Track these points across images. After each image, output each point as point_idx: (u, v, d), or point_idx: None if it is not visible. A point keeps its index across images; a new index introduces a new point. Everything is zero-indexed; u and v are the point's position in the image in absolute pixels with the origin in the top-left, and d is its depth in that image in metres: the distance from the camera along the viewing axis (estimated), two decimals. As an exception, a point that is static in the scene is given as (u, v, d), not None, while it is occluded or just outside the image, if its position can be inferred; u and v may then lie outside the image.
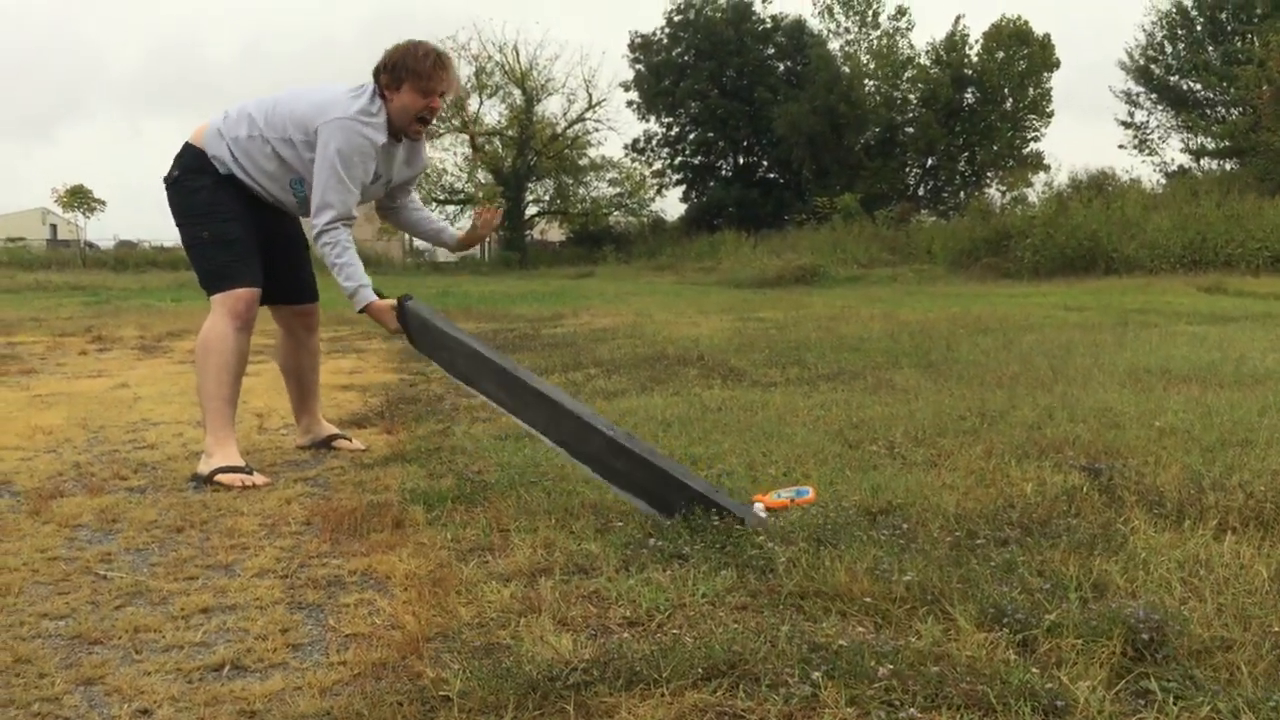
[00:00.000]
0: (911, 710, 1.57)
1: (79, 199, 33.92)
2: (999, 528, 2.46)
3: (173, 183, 3.58)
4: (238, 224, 3.51)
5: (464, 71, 36.60)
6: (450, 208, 38.40)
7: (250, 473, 3.31)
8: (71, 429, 4.36)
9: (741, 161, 39.35)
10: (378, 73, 3.41)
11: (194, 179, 3.53)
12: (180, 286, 21.32)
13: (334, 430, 3.99)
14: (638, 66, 38.49)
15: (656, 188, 39.95)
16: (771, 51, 38.34)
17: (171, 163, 3.58)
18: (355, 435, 4.06)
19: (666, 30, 38.42)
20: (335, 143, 3.35)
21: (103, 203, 34.52)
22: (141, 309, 13.71)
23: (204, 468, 3.34)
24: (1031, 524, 2.49)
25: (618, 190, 39.70)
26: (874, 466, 3.17)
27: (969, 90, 34.61)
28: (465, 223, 32.55)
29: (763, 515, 2.62)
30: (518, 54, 37.12)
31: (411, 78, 3.36)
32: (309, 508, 2.97)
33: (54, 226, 55.89)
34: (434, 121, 3.58)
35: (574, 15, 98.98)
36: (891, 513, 2.64)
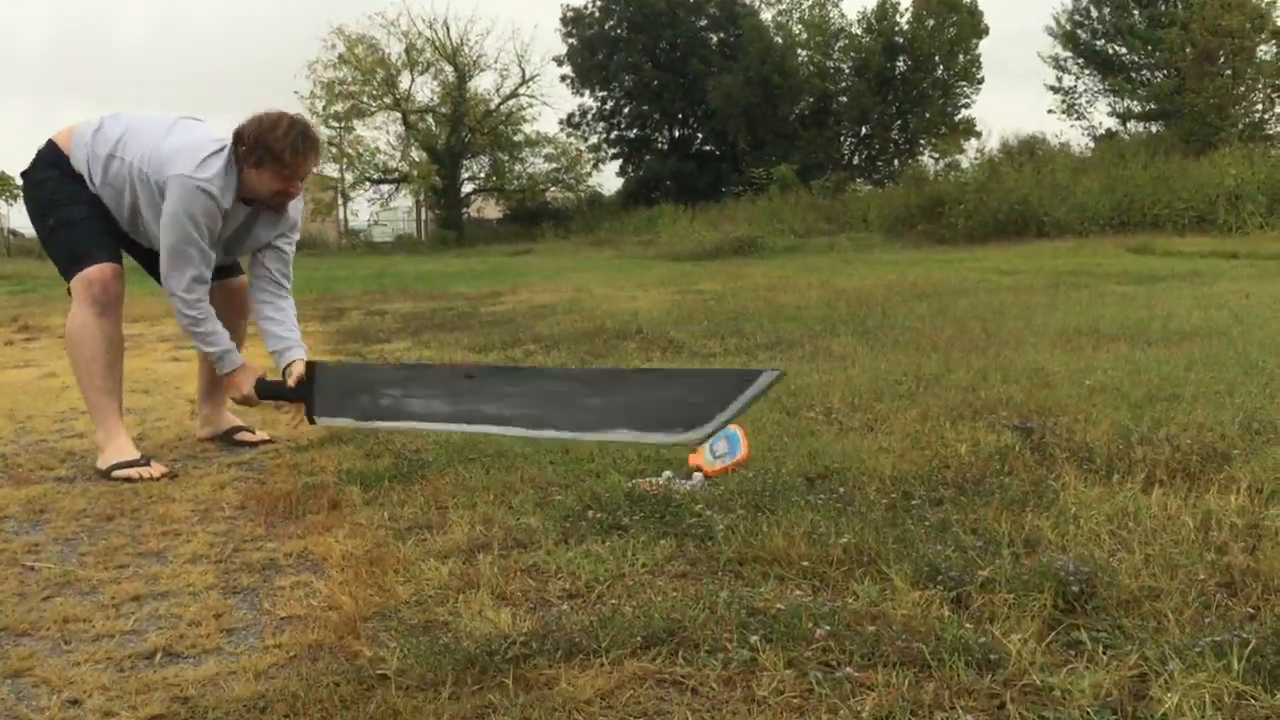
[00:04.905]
0: (848, 669, 1.58)
1: (1, 186, 32.80)
2: (934, 488, 2.50)
3: (24, 176, 3.44)
4: (84, 206, 3.31)
5: (394, 48, 36.14)
6: (385, 187, 37.96)
7: (147, 463, 3.18)
8: (-4, 420, 4.25)
9: (678, 134, 39.24)
10: (237, 139, 3.18)
11: (42, 172, 3.36)
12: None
13: (237, 421, 3.73)
14: (570, 40, 38.09)
15: (593, 162, 39.75)
16: (704, 23, 38.19)
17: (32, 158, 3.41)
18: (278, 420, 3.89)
19: (598, 3, 38.10)
20: (183, 204, 3.13)
21: (24, 189, 33.25)
22: (68, 297, 13.36)
23: (101, 464, 3.21)
24: (965, 484, 2.52)
25: (554, 166, 39.45)
26: (811, 433, 3.19)
27: (900, 59, 34.76)
28: (399, 201, 31.62)
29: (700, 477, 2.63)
30: (448, 29, 36.63)
31: (271, 161, 3.15)
32: (243, 492, 2.92)
33: (-25, 215, 54.34)
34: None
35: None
36: (829, 477, 2.66)
